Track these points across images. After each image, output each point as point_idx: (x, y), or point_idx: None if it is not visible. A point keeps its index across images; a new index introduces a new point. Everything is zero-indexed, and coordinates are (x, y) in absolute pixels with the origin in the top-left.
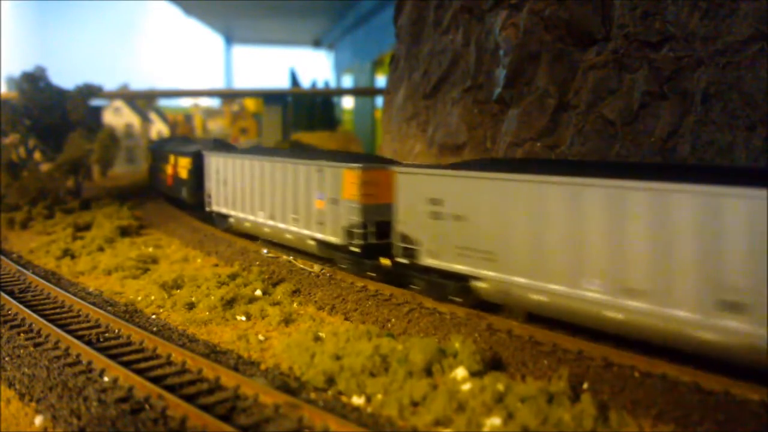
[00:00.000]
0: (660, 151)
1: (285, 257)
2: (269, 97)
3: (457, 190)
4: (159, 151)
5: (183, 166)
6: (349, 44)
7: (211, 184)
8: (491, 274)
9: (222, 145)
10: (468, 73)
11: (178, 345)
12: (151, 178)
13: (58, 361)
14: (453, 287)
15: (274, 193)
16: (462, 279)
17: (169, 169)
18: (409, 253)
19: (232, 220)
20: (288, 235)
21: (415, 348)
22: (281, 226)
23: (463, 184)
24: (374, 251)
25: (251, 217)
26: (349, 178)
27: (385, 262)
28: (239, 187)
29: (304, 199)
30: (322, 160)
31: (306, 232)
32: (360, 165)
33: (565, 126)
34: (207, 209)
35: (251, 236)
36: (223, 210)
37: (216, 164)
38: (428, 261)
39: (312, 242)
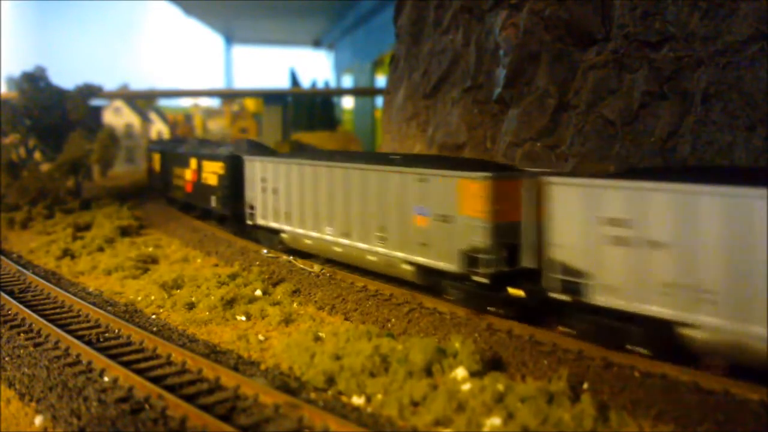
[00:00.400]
0: (660, 151)
1: (285, 257)
2: (269, 97)
3: (658, 208)
4: (171, 153)
5: (211, 171)
6: (349, 44)
7: (256, 194)
8: (715, 321)
9: (259, 148)
10: (468, 73)
11: (178, 345)
12: (155, 182)
13: (58, 361)
14: (640, 333)
15: (349, 205)
16: (657, 324)
17: (189, 175)
18: (572, 288)
19: (284, 236)
20: (371, 257)
21: (415, 348)
22: (360, 246)
23: (674, 200)
24: (502, 281)
25: (314, 234)
26: (471, 190)
27: (516, 293)
28: (296, 197)
29: (397, 214)
30: (423, 167)
31: (399, 254)
32: (489, 174)
33: (565, 126)
34: (249, 222)
35: (308, 255)
36: (273, 224)
37: (262, 170)
38: (603, 299)
39: (409, 267)
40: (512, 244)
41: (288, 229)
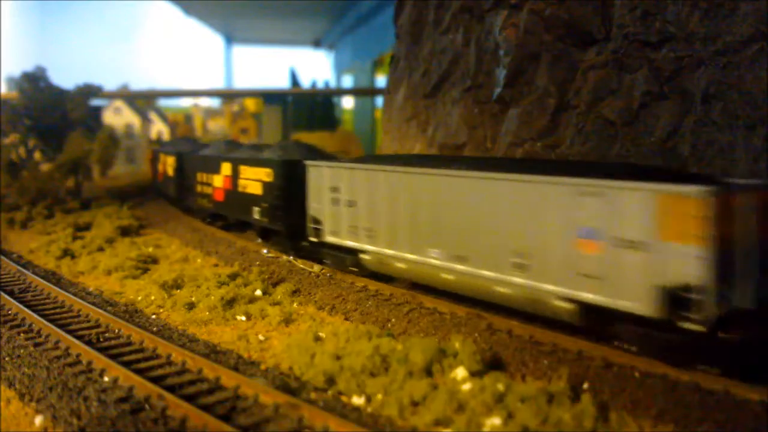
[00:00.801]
0: (660, 151)
1: (285, 257)
2: (269, 97)
3: None
4: (193, 156)
5: (254, 178)
6: (349, 44)
7: (323, 206)
8: None
9: (312, 151)
10: (468, 73)
11: (178, 345)
12: (166, 188)
13: (58, 361)
14: None
15: (466, 223)
16: None
17: (219, 181)
18: None
19: (366, 257)
20: (502, 289)
21: (415, 348)
22: (485, 274)
23: None
24: (716, 327)
25: (411, 257)
26: (682, 208)
27: (728, 338)
28: (384, 211)
29: (547, 235)
30: (592, 176)
31: (551, 288)
32: (713, 188)
33: (565, 126)
34: (312, 239)
35: (388, 278)
36: (349, 243)
37: (333, 178)
38: None
39: (566, 305)
40: (732, 277)
41: (371, 249)
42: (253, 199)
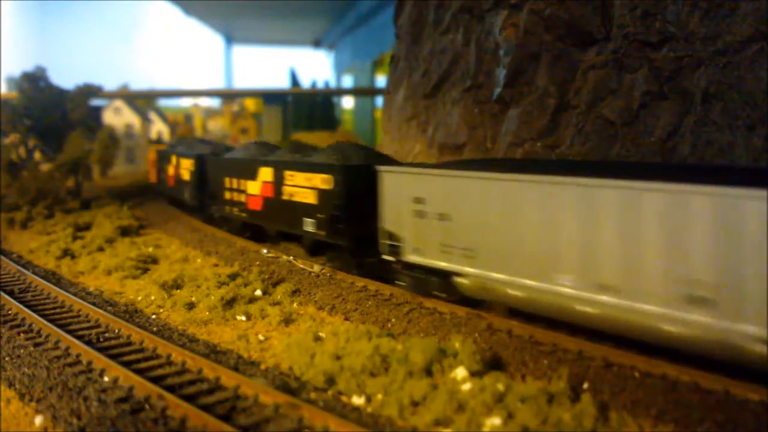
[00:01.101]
0: (660, 151)
1: (285, 257)
2: (269, 97)
3: None
4: (219, 160)
5: (307, 185)
6: (349, 44)
7: (401, 219)
8: None
9: (369, 154)
10: (468, 73)
11: (178, 345)
12: (180, 193)
13: (58, 361)
14: None
15: (616, 246)
16: None
17: (256, 188)
18: None
19: (463, 281)
20: (671, 328)
21: (415, 348)
22: (648, 309)
23: None
24: None
25: (530, 283)
26: None
27: None
28: (495, 227)
29: (741, 261)
30: None
31: (747, 328)
32: None
33: (565, 126)
34: (388, 258)
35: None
36: (439, 263)
37: (416, 187)
38: None
39: None
40: None
41: (470, 271)
42: (304, 209)
